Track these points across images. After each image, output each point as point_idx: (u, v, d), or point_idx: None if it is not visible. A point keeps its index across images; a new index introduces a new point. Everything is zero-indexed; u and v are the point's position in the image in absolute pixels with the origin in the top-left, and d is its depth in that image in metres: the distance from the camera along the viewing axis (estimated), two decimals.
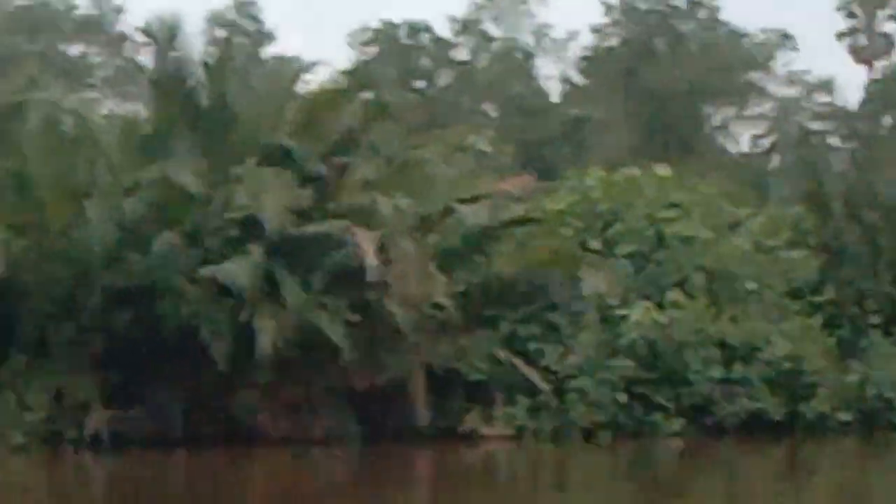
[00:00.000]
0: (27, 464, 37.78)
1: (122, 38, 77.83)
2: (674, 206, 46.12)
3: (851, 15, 66.84)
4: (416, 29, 74.97)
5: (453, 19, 77.74)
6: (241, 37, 67.75)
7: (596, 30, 78.52)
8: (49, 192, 40.74)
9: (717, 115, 77.60)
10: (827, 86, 77.80)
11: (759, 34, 77.71)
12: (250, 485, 34.99)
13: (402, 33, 74.10)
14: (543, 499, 33.05)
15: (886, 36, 72.87)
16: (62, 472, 37.74)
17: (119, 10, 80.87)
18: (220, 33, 63.07)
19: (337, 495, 32.88)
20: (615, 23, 76.52)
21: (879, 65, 72.43)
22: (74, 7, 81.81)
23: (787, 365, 43.18)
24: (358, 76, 56.70)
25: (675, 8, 74.65)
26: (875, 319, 45.67)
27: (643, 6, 74.79)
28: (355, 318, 39.09)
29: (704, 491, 34.21)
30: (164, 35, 44.90)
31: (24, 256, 39.60)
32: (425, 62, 73.86)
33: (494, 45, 78.01)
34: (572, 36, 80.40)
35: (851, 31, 69.79)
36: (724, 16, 77.92)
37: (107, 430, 38.45)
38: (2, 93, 45.11)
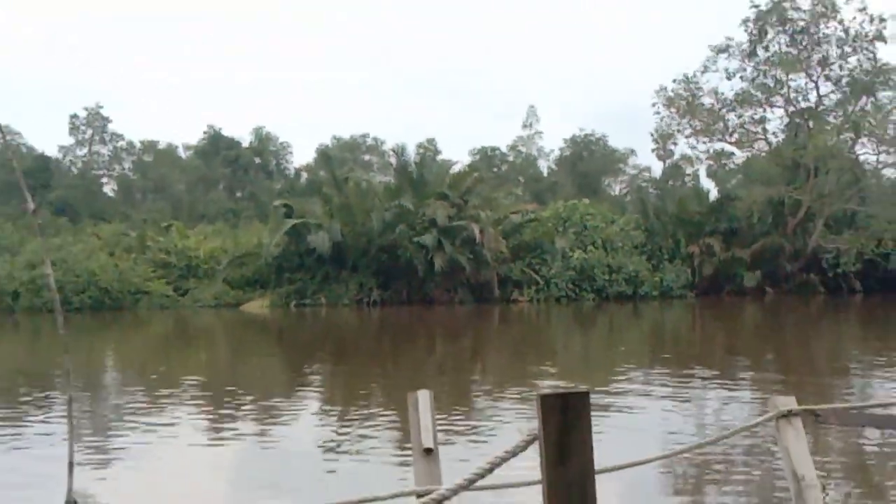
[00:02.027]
0: (348, 313, 45.58)
1: (383, 153, 79.75)
2: (590, 213, 53.89)
3: (657, 142, 61.57)
4: (492, 152, 75.56)
5: (508, 147, 78.36)
6: (426, 150, 69.27)
7: (560, 148, 75.94)
8: (355, 208, 49.86)
9: (608, 181, 75.45)
10: (648, 170, 76.58)
11: (621, 149, 75.40)
12: (438, 317, 42.70)
13: (489, 153, 74.68)
14: (543, 318, 43.08)
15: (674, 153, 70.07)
16: (359, 315, 45.07)
17: (381, 141, 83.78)
18: (419, 153, 63.32)
19: (466, 324, 40.81)
20: (568, 141, 75.02)
21: (668, 161, 69.68)
22: (365, 141, 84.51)
23: (633, 273, 51.64)
24: (472, 166, 60.58)
25: (590, 139, 73.04)
26: (666, 257, 53.69)
27: (582, 134, 73.44)
28: (471, 256, 48.38)
29: (611, 320, 41.88)
30: (399, 151, 53.90)
31: (343, 233, 48.56)
32: (497, 162, 74.95)
33: (518, 157, 78.11)
34: (553, 150, 79.48)
35: (657, 147, 65.05)
36: (611, 143, 75.81)
37: (378, 299, 48.65)
38: (341, 174, 53.74)
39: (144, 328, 42.37)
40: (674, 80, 58.11)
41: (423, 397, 5.26)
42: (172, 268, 52.17)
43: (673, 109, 57.87)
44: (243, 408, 17.80)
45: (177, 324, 43.77)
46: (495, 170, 71.31)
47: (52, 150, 79.03)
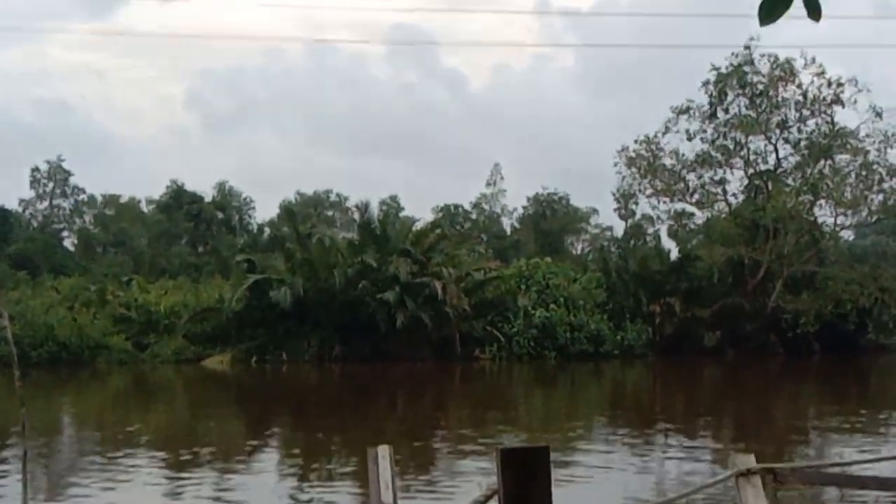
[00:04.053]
0: (309, 369, 46.51)
1: (346, 210, 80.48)
2: (552, 272, 54.33)
3: (619, 201, 60.67)
4: (455, 209, 76.78)
5: (471, 204, 79.58)
6: (389, 207, 70.03)
7: (524, 206, 76.33)
8: (318, 264, 50.16)
9: (570, 240, 76.86)
10: (610, 230, 76.32)
11: (584, 208, 76.17)
12: (400, 374, 43.37)
13: (452, 210, 75.82)
14: (505, 376, 44.41)
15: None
16: (320, 371, 46.08)
17: (344, 197, 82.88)
18: (382, 209, 65.18)
19: (427, 382, 41.86)
20: (531, 199, 76.01)
21: (630, 221, 69.12)
22: (328, 196, 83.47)
23: (594, 332, 51.49)
24: (434, 223, 59.19)
25: (553, 198, 74.96)
26: (627, 316, 53.35)
27: (545, 192, 75.12)
28: (434, 313, 48.04)
29: (572, 378, 43.19)
30: (363, 208, 57.03)
31: (305, 288, 48.46)
32: (460, 219, 75.85)
33: (482, 215, 78.81)
34: (516, 208, 79.61)
35: (619, 207, 62.31)
36: (573, 201, 75.57)
37: (339, 355, 48.31)
38: (304, 230, 54.78)
39: (102, 384, 42.12)
40: (635, 141, 58.27)
41: (383, 453, 5.31)
42: (132, 322, 52.11)
43: (634, 169, 58.19)
44: (201, 467, 17.85)
45: (135, 379, 43.67)
46: (458, 227, 72.33)
47: (12, 204, 78.23)
